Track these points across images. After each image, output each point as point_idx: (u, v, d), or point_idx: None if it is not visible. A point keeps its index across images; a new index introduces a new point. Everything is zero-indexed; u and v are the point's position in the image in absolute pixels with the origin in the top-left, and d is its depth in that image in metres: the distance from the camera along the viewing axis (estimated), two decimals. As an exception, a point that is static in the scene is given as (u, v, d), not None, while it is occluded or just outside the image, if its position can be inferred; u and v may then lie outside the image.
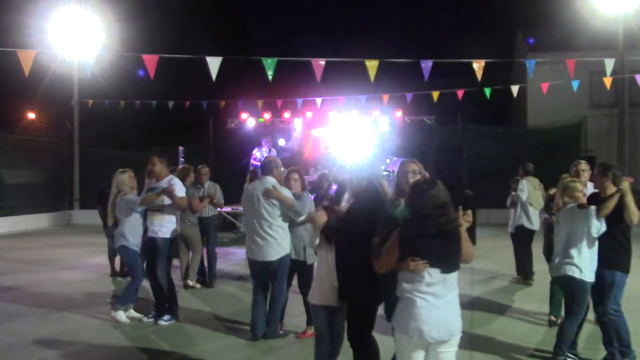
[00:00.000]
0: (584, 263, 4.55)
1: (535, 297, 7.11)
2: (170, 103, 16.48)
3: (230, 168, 16.48)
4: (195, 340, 5.56)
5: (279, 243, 5.39)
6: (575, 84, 13.41)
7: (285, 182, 5.65)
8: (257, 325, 5.51)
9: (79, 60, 18.03)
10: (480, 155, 16.13)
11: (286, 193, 5.44)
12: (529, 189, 8.35)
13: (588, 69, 17.75)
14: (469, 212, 3.46)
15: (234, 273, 9.08)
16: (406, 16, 39.65)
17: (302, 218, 5.40)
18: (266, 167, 5.66)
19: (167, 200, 6.03)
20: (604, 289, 4.63)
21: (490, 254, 10.30)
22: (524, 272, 8.35)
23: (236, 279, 8.60)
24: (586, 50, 17.99)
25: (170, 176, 6.27)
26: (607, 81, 13.41)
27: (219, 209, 8.63)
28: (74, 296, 7.48)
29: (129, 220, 6.12)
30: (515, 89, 14.31)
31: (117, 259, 8.87)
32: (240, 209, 14.18)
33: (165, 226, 6.08)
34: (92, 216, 13.22)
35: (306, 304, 5.59)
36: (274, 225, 5.38)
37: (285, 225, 5.46)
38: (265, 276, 5.54)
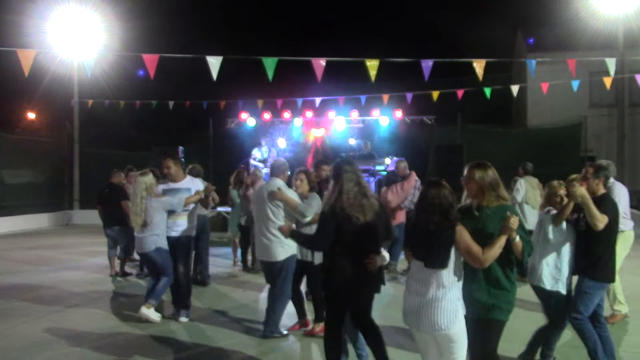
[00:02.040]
0: (549, 272, 4.44)
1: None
2: (170, 103, 16.48)
3: (230, 168, 16.46)
4: (194, 338, 5.56)
5: (283, 243, 5.42)
6: (575, 84, 13.41)
7: (293, 182, 5.70)
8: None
9: (79, 61, 18.03)
10: (480, 155, 15.90)
11: (291, 195, 5.48)
12: (526, 188, 8.39)
13: (588, 69, 17.79)
14: (514, 218, 3.35)
15: (231, 272, 9.12)
16: (406, 16, 39.67)
17: (307, 219, 5.41)
18: (276, 170, 5.70)
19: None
20: (574, 295, 4.49)
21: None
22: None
23: (232, 278, 8.65)
24: (586, 50, 18.01)
25: (189, 176, 6.53)
26: (607, 81, 13.42)
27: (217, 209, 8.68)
28: (74, 296, 7.47)
29: (163, 221, 6.07)
30: (515, 89, 14.31)
31: (117, 259, 8.90)
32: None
33: (189, 225, 6.26)
34: (92, 216, 13.19)
35: (315, 302, 5.66)
36: (278, 226, 5.38)
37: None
38: (272, 276, 5.58)
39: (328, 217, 4.13)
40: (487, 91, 14.12)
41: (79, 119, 19.18)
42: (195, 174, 8.15)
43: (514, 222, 3.34)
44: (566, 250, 4.48)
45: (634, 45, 18.14)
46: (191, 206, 6.30)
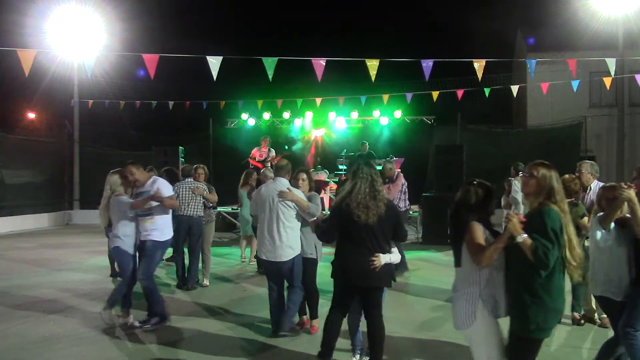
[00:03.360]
0: (602, 278, 4.16)
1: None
2: (170, 103, 16.49)
3: (230, 168, 16.48)
4: (196, 338, 5.56)
5: (292, 243, 5.48)
6: (575, 84, 13.43)
7: (293, 182, 5.72)
8: (273, 322, 5.69)
9: (79, 61, 18.03)
10: (480, 155, 16.13)
11: (301, 195, 5.53)
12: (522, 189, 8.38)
13: (588, 69, 17.80)
14: (512, 216, 3.27)
15: (234, 272, 9.12)
16: (406, 16, 39.65)
17: (314, 218, 5.51)
18: (282, 170, 5.70)
19: (154, 203, 5.92)
20: (628, 307, 4.07)
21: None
22: None
23: (233, 278, 8.65)
24: (586, 50, 18.03)
25: (153, 178, 6.18)
26: (607, 81, 13.45)
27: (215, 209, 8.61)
28: (75, 296, 7.47)
29: (123, 222, 5.96)
30: (515, 89, 14.33)
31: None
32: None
33: (158, 229, 5.97)
34: (92, 216, 13.21)
35: (309, 300, 5.73)
36: (287, 227, 5.45)
37: (298, 225, 5.55)
38: (280, 275, 5.60)
39: (334, 212, 4.43)
40: (487, 91, 14.14)
41: (79, 119, 19.18)
42: (185, 174, 8.15)
43: (512, 222, 3.21)
44: (620, 255, 4.14)
45: (633, 46, 18.15)
46: (153, 209, 5.93)
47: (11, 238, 14.17)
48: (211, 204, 8.29)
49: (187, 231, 7.89)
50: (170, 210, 6.20)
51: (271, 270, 5.65)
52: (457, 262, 3.49)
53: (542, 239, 3.20)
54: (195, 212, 7.90)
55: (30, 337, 5.67)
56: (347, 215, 4.25)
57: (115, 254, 6.18)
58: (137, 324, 5.96)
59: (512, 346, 3.37)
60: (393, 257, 4.39)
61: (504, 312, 3.38)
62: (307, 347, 5.28)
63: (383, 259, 4.26)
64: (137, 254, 6.10)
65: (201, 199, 7.96)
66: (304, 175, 5.78)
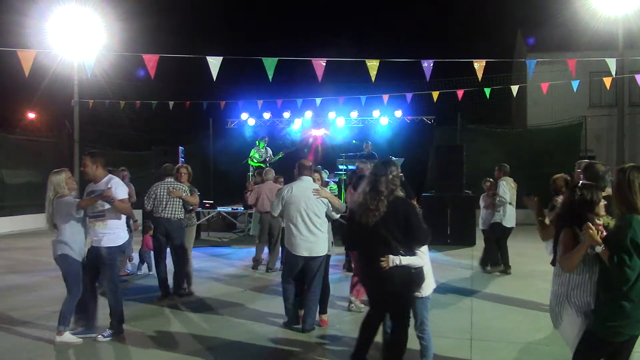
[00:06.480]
0: None
1: (527, 290, 7.13)
2: (171, 103, 16.49)
3: (230, 168, 16.50)
4: (198, 336, 5.54)
5: (327, 238, 5.72)
6: (575, 84, 13.42)
7: None
8: (292, 316, 5.81)
9: (79, 61, 18.02)
10: (480, 155, 16.13)
11: (329, 193, 5.85)
12: (509, 189, 8.70)
13: (588, 69, 17.80)
14: (589, 227, 3.18)
15: (234, 272, 9.12)
16: (407, 16, 39.67)
17: (338, 215, 5.83)
18: (307, 169, 5.90)
19: (107, 205, 5.50)
20: None
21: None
22: (504, 264, 8.83)
23: (237, 278, 8.64)
24: (586, 50, 18.02)
25: (109, 176, 5.68)
26: (607, 81, 13.44)
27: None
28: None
29: (69, 226, 5.53)
30: (515, 89, 14.33)
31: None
32: (240, 209, 14.16)
33: (110, 233, 5.51)
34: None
35: (322, 294, 5.87)
36: (323, 223, 5.69)
37: (327, 221, 5.80)
38: (306, 272, 5.71)
39: (348, 216, 4.54)
40: (487, 91, 14.14)
41: (79, 119, 19.17)
42: (165, 174, 7.43)
43: (589, 232, 3.14)
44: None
45: (633, 46, 18.15)
46: (106, 210, 5.53)
47: (11, 238, 14.17)
48: (191, 207, 7.49)
49: (165, 235, 7.19)
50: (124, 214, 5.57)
51: (298, 267, 5.74)
52: (553, 262, 3.60)
53: (620, 251, 3.08)
54: (173, 215, 7.15)
55: (30, 337, 5.66)
56: (352, 216, 4.28)
57: (60, 262, 5.58)
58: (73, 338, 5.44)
59: (582, 339, 3.35)
60: (406, 259, 4.02)
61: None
62: (317, 340, 5.31)
63: (392, 260, 3.96)
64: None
65: (180, 200, 7.22)
66: (317, 175, 6.18)
